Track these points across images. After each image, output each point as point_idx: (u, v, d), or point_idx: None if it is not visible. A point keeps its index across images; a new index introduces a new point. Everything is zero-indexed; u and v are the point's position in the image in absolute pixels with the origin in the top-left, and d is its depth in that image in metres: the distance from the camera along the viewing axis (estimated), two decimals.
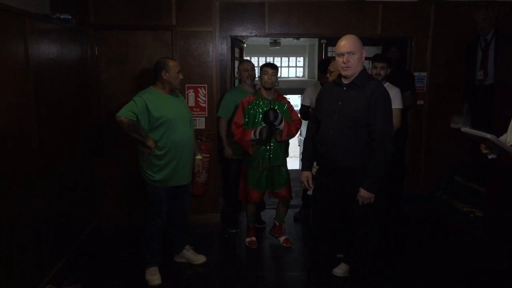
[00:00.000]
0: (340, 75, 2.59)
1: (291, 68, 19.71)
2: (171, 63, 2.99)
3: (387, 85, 3.50)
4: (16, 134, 2.48)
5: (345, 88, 2.55)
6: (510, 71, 3.41)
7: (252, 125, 3.45)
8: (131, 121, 2.84)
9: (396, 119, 3.43)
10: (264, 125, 3.37)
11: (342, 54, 2.47)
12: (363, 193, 2.48)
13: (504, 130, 2.36)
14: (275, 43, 14.47)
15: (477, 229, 3.73)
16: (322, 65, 4.22)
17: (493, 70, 3.79)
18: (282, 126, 3.39)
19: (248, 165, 3.55)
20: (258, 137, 3.34)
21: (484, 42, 3.81)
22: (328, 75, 3.70)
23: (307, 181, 2.80)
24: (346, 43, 2.47)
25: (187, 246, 3.40)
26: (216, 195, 4.13)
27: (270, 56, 18.01)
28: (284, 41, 14.56)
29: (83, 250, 3.44)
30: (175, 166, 3.00)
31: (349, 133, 2.50)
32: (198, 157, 3.26)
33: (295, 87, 14.34)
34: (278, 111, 3.37)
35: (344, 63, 2.46)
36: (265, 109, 3.43)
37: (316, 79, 8.87)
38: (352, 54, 2.45)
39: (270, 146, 3.47)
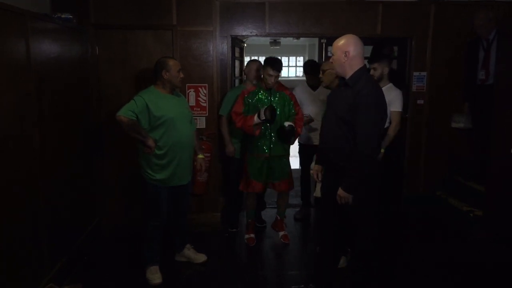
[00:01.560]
0: None
1: (291, 67, 19.73)
2: (171, 62, 2.99)
3: (389, 86, 3.47)
4: (17, 134, 2.48)
5: (342, 88, 2.59)
6: (511, 71, 3.41)
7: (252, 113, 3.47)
8: (131, 120, 2.85)
9: (394, 122, 3.42)
10: (266, 106, 3.38)
11: None
12: (339, 192, 2.51)
13: (504, 131, 2.36)
14: (275, 42, 14.49)
15: (477, 229, 3.73)
16: (307, 67, 4.29)
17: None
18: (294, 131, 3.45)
19: (249, 153, 3.58)
20: (263, 118, 3.33)
21: (486, 42, 3.81)
22: (321, 74, 3.71)
23: (317, 175, 2.84)
24: (333, 44, 2.57)
25: (188, 245, 3.41)
26: (217, 194, 4.13)
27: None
28: (284, 40, 14.58)
29: (83, 249, 3.45)
30: (176, 166, 3.01)
31: (338, 131, 2.54)
32: (200, 156, 3.27)
33: (295, 86, 14.35)
34: (274, 108, 3.38)
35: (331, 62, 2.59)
36: (265, 100, 3.47)
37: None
38: (332, 55, 2.56)
39: (271, 135, 3.48)
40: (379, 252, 2.90)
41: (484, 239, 3.55)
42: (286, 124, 3.41)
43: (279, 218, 3.85)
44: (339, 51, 2.50)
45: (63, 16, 3.25)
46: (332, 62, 2.58)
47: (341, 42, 2.52)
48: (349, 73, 2.52)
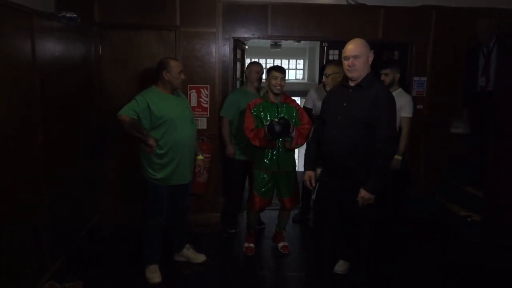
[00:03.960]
0: (346, 78, 2.65)
1: (291, 70, 19.75)
2: (172, 63, 3.00)
3: (399, 91, 3.54)
4: (19, 133, 2.49)
5: (350, 90, 2.61)
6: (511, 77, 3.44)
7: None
8: (132, 119, 2.87)
9: (406, 128, 3.48)
10: (271, 119, 3.21)
11: (347, 58, 2.56)
12: (363, 193, 2.52)
13: (503, 137, 2.40)
14: (275, 45, 14.49)
15: (475, 233, 3.76)
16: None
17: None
18: (294, 134, 3.23)
19: (256, 168, 3.44)
20: (270, 136, 3.15)
21: (487, 49, 3.85)
22: (324, 78, 3.74)
23: (310, 181, 2.85)
24: (352, 47, 2.55)
25: (187, 245, 3.42)
26: (216, 194, 4.15)
27: (270, 58, 18.06)
28: (284, 43, 14.59)
29: (83, 248, 3.45)
30: (176, 165, 3.02)
31: (352, 133, 2.55)
32: (200, 157, 3.29)
33: (294, 89, 14.39)
34: (286, 119, 3.19)
35: (349, 66, 2.54)
36: (272, 113, 3.31)
37: (317, 81, 8.92)
38: (357, 57, 2.53)
39: (279, 150, 3.35)
40: (378, 253, 2.93)
41: (482, 242, 3.58)
42: (275, 120, 3.18)
43: (278, 230, 3.75)
44: (366, 52, 2.54)
45: (67, 15, 3.27)
46: (353, 65, 2.53)
47: (364, 44, 2.56)
48: (362, 76, 2.56)
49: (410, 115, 3.52)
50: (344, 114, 2.58)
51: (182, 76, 3.04)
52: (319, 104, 3.97)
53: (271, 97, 3.37)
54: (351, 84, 2.61)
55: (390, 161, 2.56)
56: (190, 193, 3.38)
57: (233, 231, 4.01)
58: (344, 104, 2.60)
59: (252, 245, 3.67)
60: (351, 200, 2.59)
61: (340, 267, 3.17)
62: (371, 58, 2.59)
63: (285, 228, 3.77)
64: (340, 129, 2.60)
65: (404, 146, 3.53)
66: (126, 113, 2.86)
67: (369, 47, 2.61)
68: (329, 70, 3.52)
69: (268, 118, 3.31)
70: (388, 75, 3.47)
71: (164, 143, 2.96)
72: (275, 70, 3.31)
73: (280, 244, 3.69)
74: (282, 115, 3.29)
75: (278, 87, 3.28)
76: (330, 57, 5.58)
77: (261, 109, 3.35)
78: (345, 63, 2.57)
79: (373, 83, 2.57)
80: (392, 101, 2.54)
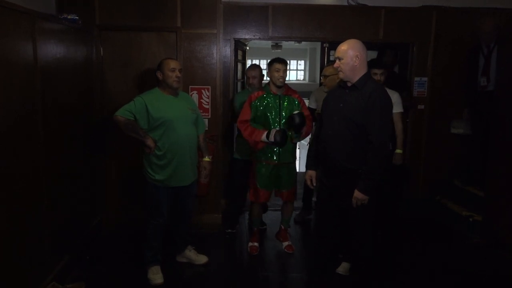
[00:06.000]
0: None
1: (292, 71, 19.77)
2: (164, 62, 2.99)
3: (386, 89, 3.57)
4: (22, 132, 2.50)
5: (347, 91, 2.61)
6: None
7: (262, 122, 3.33)
8: (128, 120, 2.87)
9: (399, 124, 3.54)
10: (278, 128, 3.24)
11: (336, 58, 2.60)
12: (356, 194, 2.52)
13: (503, 137, 2.40)
14: (276, 46, 14.49)
15: (476, 233, 3.76)
16: None
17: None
18: (303, 130, 3.26)
19: (257, 160, 3.43)
20: (272, 141, 3.20)
21: (487, 49, 3.85)
22: (322, 79, 3.74)
23: (311, 180, 2.86)
24: (338, 48, 2.58)
25: (189, 246, 3.42)
26: (218, 196, 4.15)
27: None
28: (285, 44, 14.60)
29: (85, 248, 3.46)
30: (175, 167, 3.01)
31: (347, 134, 2.55)
32: (206, 159, 3.27)
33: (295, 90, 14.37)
34: (303, 114, 3.23)
35: (336, 67, 2.58)
36: (274, 105, 3.31)
37: (318, 82, 8.91)
38: (339, 59, 2.54)
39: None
40: (378, 254, 2.92)
41: (483, 244, 3.57)
42: (295, 112, 3.24)
43: (283, 227, 3.74)
44: (351, 54, 2.51)
45: (69, 17, 3.28)
46: (338, 66, 2.56)
47: (350, 45, 2.53)
48: (356, 76, 2.54)
49: (402, 110, 3.59)
50: (339, 115, 2.58)
51: (177, 73, 2.97)
52: (321, 104, 3.98)
53: (273, 88, 3.34)
54: (348, 84, 2.61)
55: (384, 161, 2.54)
56: (194, 195, 3.35)
57: (230, 231, 3.98)
58: (341, 105, 2.59)
59: (256, 244, 3.66)
60: (347, 201, 2.59)
61: (343, 268, 3.17)
62: (360, 59, 2.51)
63: (290, 225, 3.78)
64: (336, 129, 2.60)
65: (402, 141, 3.60)
66: (122, 114, 2.88)
67: (361, 48, 2.54)
68: (327, 71, 3.53)
69: (270, 114, 3.31)
70: (384, 74, 3.50)
71: (163, 145, 2.95)
72: (277, 62, 3.28)
73: (285, 244, 3.70)
74: (284, 128, 3.29)
75: (281, 80, 3.26)
76: (331, 58, 5.57)
77: (263, 102, 3.33)
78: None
79: (368, 83, 2.54)
80: (386, 100, 2.51)
